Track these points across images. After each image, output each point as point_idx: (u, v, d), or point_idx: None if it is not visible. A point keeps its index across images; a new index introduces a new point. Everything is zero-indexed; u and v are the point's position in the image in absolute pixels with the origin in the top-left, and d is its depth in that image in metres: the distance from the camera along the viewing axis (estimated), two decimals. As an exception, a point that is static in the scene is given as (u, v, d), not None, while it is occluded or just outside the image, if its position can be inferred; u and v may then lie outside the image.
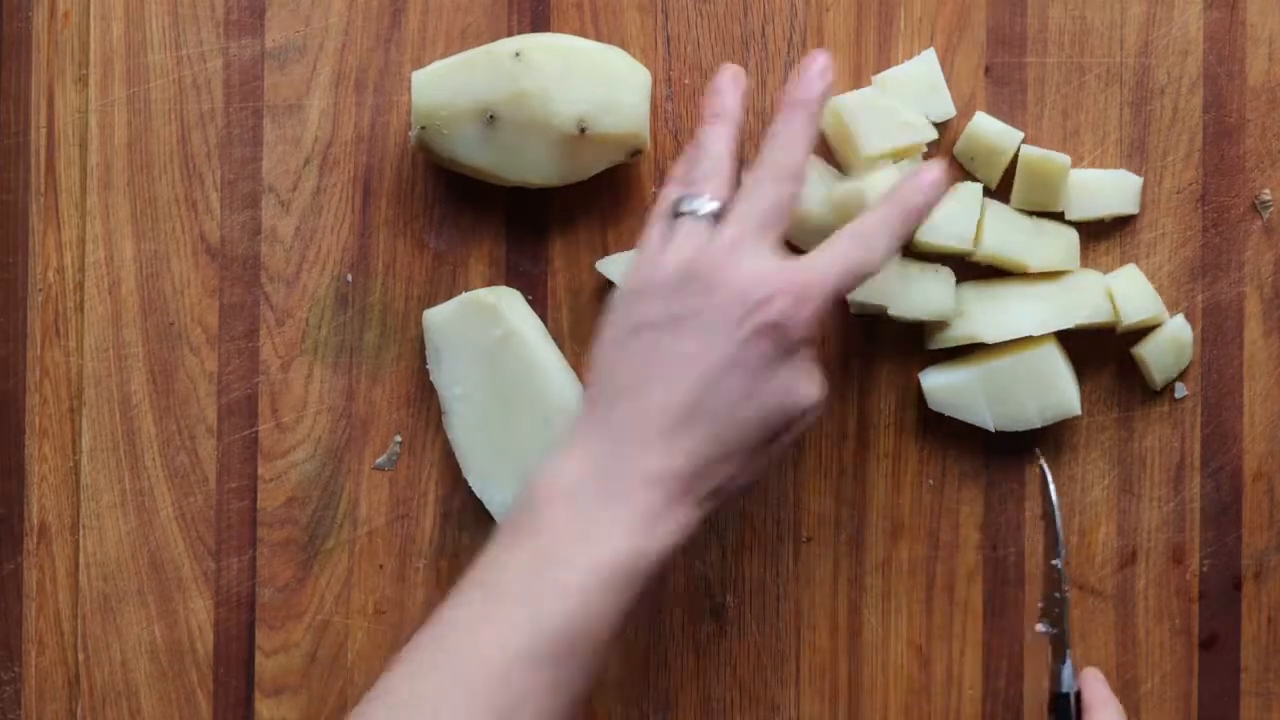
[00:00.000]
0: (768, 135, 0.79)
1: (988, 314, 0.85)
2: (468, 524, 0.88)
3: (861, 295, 0.85)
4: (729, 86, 0.81)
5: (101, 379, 0.88)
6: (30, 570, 0.89)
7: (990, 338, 0.85)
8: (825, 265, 0.76)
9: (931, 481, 0.88)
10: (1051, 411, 0.85)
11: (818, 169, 0.86)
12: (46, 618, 0.89)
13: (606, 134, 0.83)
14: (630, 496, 0.73)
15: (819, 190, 0.85)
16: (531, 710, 0.70)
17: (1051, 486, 0.86)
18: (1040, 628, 0.86)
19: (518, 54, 0.83)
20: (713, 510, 0.76)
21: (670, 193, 0.79)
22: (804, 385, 0.76)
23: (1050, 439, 0.87)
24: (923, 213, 0.79)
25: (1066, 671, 0.83)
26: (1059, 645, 0.83)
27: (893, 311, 0.85)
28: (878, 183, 0.82)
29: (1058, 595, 0.85)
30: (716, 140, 0.80)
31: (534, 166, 0.84)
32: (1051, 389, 0.85)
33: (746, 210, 0.77)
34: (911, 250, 0.86)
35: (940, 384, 0.86)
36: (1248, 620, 0.88)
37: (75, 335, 0.89)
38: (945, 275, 0.85)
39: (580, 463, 0.74)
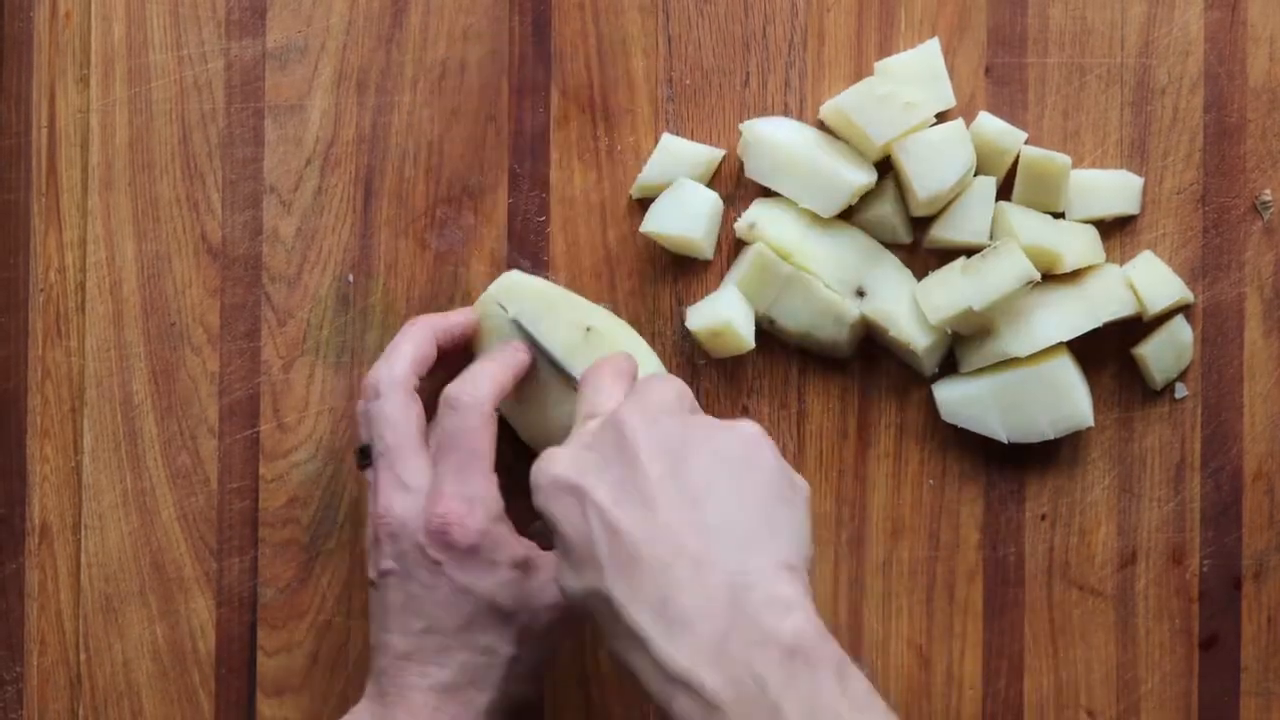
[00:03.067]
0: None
1: (1015, 329, 0.85)
2: (469, 524, 0.88)
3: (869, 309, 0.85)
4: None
5: (103, 379, 0.88)
6: (32, 570, 0.89)
7: (1022, 351, 0.84)
8: (465, 455, 0.79)
9: (931, 481, 0.88)
10: (1064, 423, 0.85)
11: (819, 161, 0.86)
12: (48, 618, 0.89)
13: None
14: None
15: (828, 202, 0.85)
16: None
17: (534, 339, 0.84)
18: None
19: (589, 330, 0.84)
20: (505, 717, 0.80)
21: None
22: (539, 589, 0.79)
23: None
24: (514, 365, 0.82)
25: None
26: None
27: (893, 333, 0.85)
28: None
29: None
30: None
31: None
32: (1065, 401, 0.85)
33: (384, 444, 0.80)
34: (928, 246, 0.86)
35: (953, 396, 0.86)
36: (1248, 620, 0.88)
37: (77, 335, 0.89)
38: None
39: (363, 715, 0.79)
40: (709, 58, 0.88)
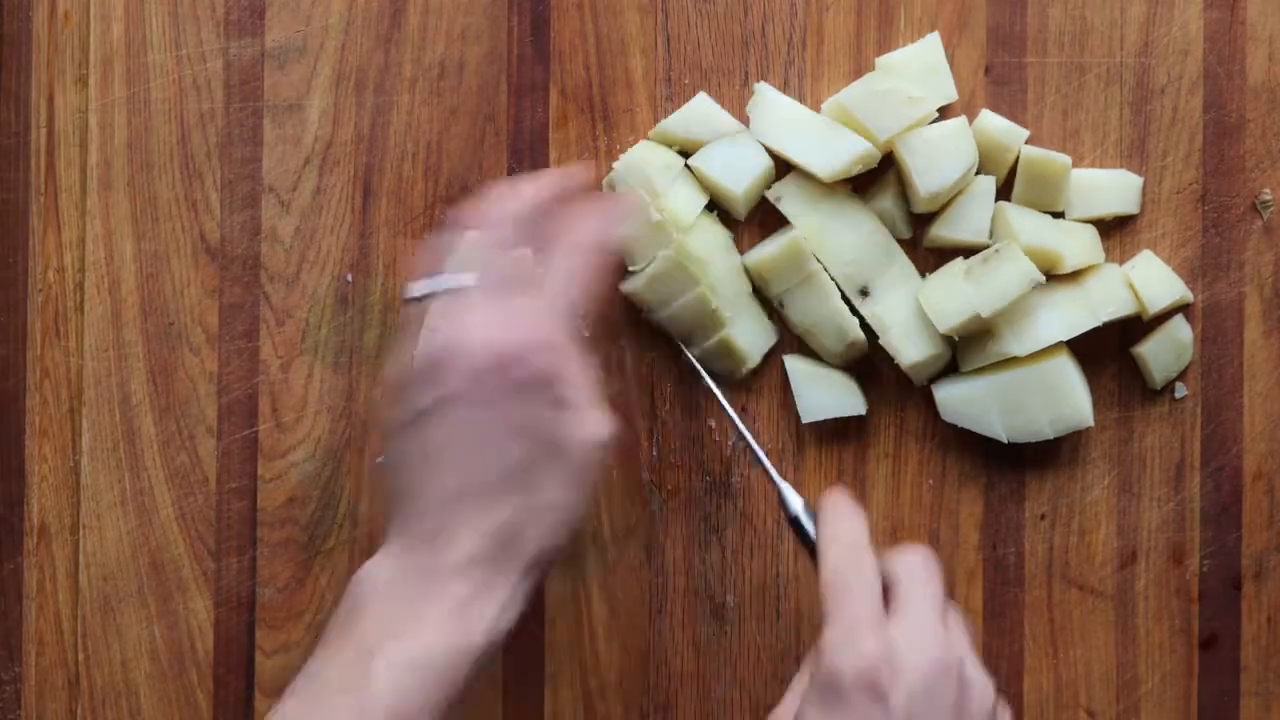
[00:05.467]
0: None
1: (1015, 328, 0.85)
2: (468, 524, 0.88)
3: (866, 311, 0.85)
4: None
5: (101, 379, 0.88)
6: (30, 570, 0.89)
7: (1022, 351, 0.84)
8: (554, 296, 0.76)
9: (931, 481, 0.88)
10: (1064, 423, 0.85)
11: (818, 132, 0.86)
12: (47, 618, 0.89)
13: None
14: (441, 589, 0.73)
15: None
16: None
17: (711, 385, 0.85)
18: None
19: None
20: (540, 576, 0.76)
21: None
22: (588, 426, 0.76)
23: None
24: (607, 221, 0.80)
25: (787, 494, 0.80)
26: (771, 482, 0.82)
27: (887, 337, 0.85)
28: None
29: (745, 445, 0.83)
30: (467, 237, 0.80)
31: None
32: (1064, 401, 0.85)
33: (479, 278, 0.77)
34: (928, 245, 0.86)
35: (953, 395, 0.86)
36: (1248, 620, 0.88)
37: (75, 335, 0.89)
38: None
39: (393, 562, 0.75)
40: (708, 57, 0.88)
